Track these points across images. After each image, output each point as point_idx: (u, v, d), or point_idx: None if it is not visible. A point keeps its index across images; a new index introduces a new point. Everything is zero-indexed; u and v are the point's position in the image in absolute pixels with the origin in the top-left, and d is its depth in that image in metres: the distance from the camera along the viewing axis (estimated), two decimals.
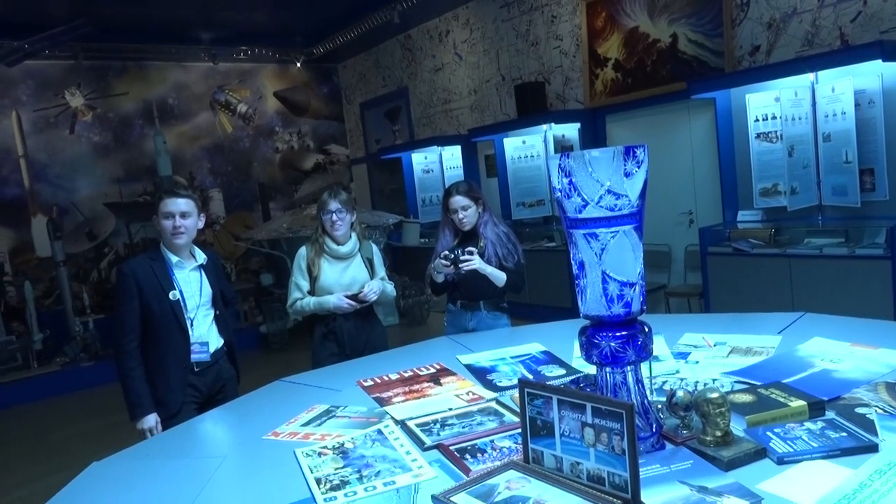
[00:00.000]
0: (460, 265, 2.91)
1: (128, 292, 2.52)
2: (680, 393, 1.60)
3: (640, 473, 1.31)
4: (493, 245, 3.06)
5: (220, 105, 9.32)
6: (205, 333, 2.66)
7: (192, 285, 2.64)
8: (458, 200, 3.06)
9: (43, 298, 7.75)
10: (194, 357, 2.61)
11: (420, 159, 8.82)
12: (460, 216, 3.05)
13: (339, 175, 10.39)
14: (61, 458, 4.57)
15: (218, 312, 2.73)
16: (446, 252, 2.96)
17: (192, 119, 9.10)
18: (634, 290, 1.55)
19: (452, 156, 8.33)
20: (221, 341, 2.74)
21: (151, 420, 2.51)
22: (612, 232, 1.52)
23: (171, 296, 2.56)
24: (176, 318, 2.56)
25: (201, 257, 2.70)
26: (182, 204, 2.57)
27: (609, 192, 1.49)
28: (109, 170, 8.45)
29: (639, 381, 1.59)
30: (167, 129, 8.55)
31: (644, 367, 1.66)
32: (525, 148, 7.08)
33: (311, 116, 10.18)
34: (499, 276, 3.02)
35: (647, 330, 1.59)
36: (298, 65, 9.71)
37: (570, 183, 1.52)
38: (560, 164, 1.52)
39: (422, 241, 8.33)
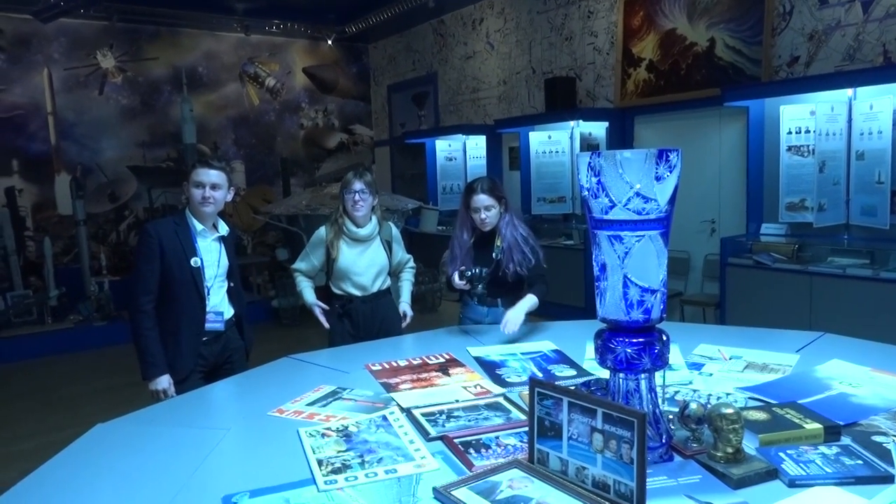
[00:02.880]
0: (479, 286, 2.79)
1: (150, 252, 2.52)
2: (693, 405, 1.57)
3: (647, 484, 1.29)
4: (509, 248, 2.87)
5: (248, 77, 9.32)
6: (219, 303, 2.67)
7: (212, 255, 2.65)
8: (482, 199, 2.87)
9: (61, 256, 7.83)
10: (209, 326, 2.62)
11: (444, 146, 8.78)
12: (482, 216, 2.88)
13: (361, 156, 10.38)
14: (67, 414, 4.62)
15: (232, 284, 2.74)
16: (462, 269, 2.79)
17: (220, 89, 9.11)
18: (655, 296, 1.51)
19: (476, 145, 8.28)
20: (232, 312, 2.74)
21: (164, 381, 2.53)
22: (637, 236, 1.48)
23: (192, 262, 2.57)
24: (195, 285, 2.57)
25: (224, 229, 2.71)
26: (214, 175, 2.57)
27: (638, 194, 1.45)
28: (135, 133, 8.50)
29: (652, 389, 1.56)
30: (194, 97, 8.56)
31: (658, 375, 1.63)
32: (550, 143, 7.01)
33: (338, 95, 10.16)
34: (535, 305, 2.82)
35: (664, 338, 1.56)
36: (329, 42, 9.68)
37: (599, 182, 1.48)
38: (590, 163, 1.49)
39: (439, 228, 8.30)
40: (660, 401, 1.62)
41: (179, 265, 2.55)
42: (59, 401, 4.98)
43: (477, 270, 2.78)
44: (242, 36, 9.01)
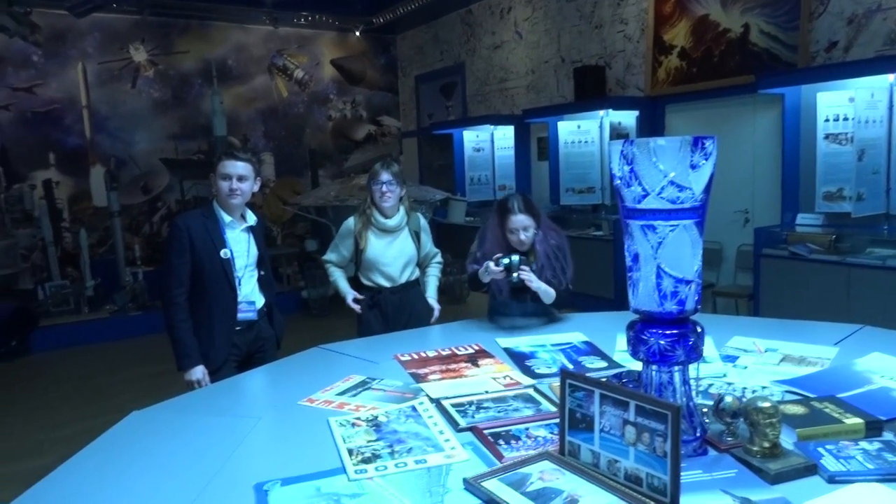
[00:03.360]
0: (516, 276, 2.62)
1: (181, 245, 2.55)
2: (728, 398, 1.54)
3: (681, 478, 1.27)
4: (541, 267, 2.73)
5: (277, 69, 9.38)
6: (250, 293, 2.70)
7: (241, 245, 2.67)
8: (521, 220, 2.68)
9: (97, 247, 7.99)
10: (242, 315, 2.65)
11: (471, 137, 8.74)
12: (521, 237, 2.70)
13: (389, 147, 10.39)
14: (104, 402, 4.73)
15: (262, 274, 2.76)
16: (499, 257, 2.64)
17: (250, 81, 9.18)
18: (690, 287, 1.48)
19: (504, 136, 8.23)
20: (263, 301, 2.77)
21: (199, 372, 2.56)
22: (671, 225, 1.45)
23: (222, 254, 2.60)
24: (226, 276, 2.60)
25: (252, 219, 2.73)
26: (240, 167, 2.59)
27: (672, 183, 1.42)
28: (167, 126, 8.62)
29: (686, 382, 1.53)
30: (224, 90, 8.65)
31: (692, 368, 1.60)
32: (579, 133, 6.94)
33: (365, 86, 10.18)
34: (549, 294, 2.73)
35: (699, 330, 1.52)
36: (357, 34, 9.69)
37: (632, 171, 1.46)
38: (622, 151, 1.46)
39: (467, 219, 8.28)
40: (693, 393, 1.59)
41: (209, 257, 2.58)
42: (96, 389, 5.10)
43: (514, 258, 2.65)
44: (271, 28, 9.06)
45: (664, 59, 6.23)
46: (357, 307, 3.13)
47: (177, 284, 2.56)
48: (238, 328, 2.67)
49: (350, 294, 3.14)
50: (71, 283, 7.15)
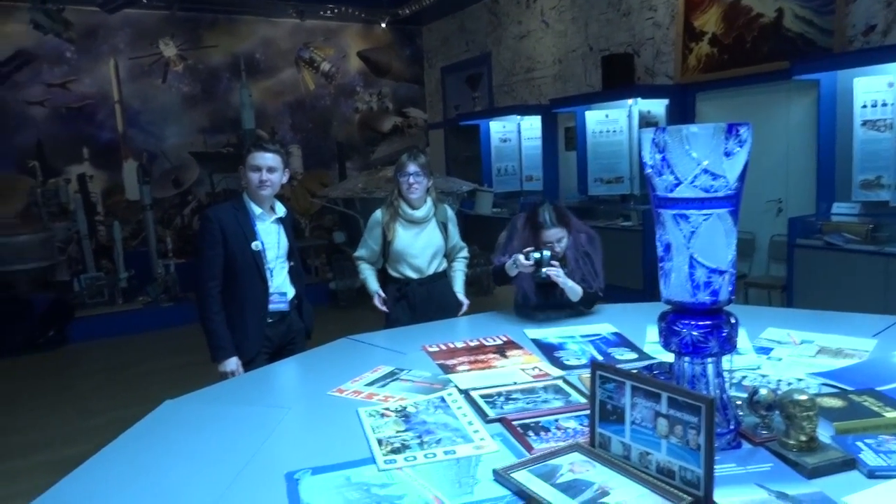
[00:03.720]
0: (544, 272, 2.57)
1: (213, 238, 2.58)
2: (763, 391, 1.51)
3: (715, 471, 1.25)
4: (571, 273, 2.66)
5: (304, 62, 9.42)
6: (282, 284, 2.72)
7: (271, 237, 2.69)
8: (555, 234, 2.63)
9: (130, 239, 8.14)
10: (274, 307, 2.67)
11: (498, 128, 8.69)
12: (556, 250, 2.64)
13: (415, 139, 10.38)
14: (137, 392, 4.82)
15: (293, 265, 2.78)
16: (530, 251, 2.59)
17: (277, 74, 9.24)
18: (724, 278, 1.45)
19: (531, 126, 8.16)
20: (294, 292, 2.79)
21: (233, 363, 2.59)
22: (704, 214, 1.42)
23: (253, 246, 2.61)
24: (257, 268, 2.62)
25: (281, 210, 2.74)
26: (269, 159, 2.60)
27: (705, 171, 1.39)
28: (196, 120, 8.72)
29: (719, 374, 1.51)
30: (252, 84, 8.73)
31: (725, 359, 1.57)
32: (608, 122, 6.85)
33: (391, 78, 10.18)
34: (576, 291, 2.67)
35: (732, 321, 1.50)
36: (383, 25, 9.68)
37: (664, 159, 1.43)
38: (654, 139, 1.43)
39: (494, 210, 8.25)
40: (727, 385, 1.56)
41: (241, 249, 2.60)
42: (129, 378, 5.20)
43: (545, 253, 2.60)
44: (298, 21, 9.10)
45: (695, 46, 6.11)
46: (383, 307, 3.13)
47: (210, 277, 2.58)
48: (270, 320, 2.69)
49: (377, 294, 3.14)
50: (105, 275, 7.29)
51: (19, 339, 6.05)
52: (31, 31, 7.15)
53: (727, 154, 1.37)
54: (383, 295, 3.14)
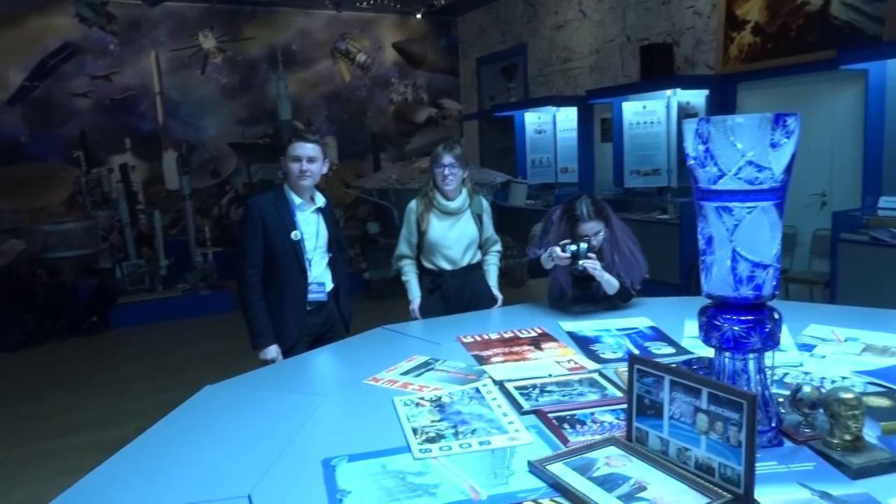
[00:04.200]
0: (581, 264, 2.54)
1: (254, 227, 2.62)
2: (806, 388, 1.47)
3: (756, 469, 1.22)
4: (609, 261, 2.64)
5: (340, 54, 9.48)
6: (320, 274, 2.74)
7: (310, 227, 2.72)
8: (592, 227, 2.59)
9: (169, 228, 8.32)
10: (312, 296, 2.70)
11: (533, 119, 8.63)
12: (593, 243, 2.61)
13: (450, 130, 10.38)
14: (176, 376, 4.93)
15: (332, 256, 2.81)
16: (566, 243, 2.56)
17: (313, 66, 9.32)
18: (767, 272, 1.42)
19: (567, 117, 8.09)
20: (332, 284, 2.81)
21: (273, 351, 2.63)
22: (748, 207, 1.39)
23: (292, 235, 2.65)
24: (297, 258, 2.66)
25: (321, 201, 2.77)
26: (310, 149, 2.63)
27: (750, 163, 1.36)
28: (234, 111, 8.85)
29: (761, 370, 1.48)
30: (289, 75, 8.81)
31: (766, 356, 1.54)
32: (645, 113, 6.74)
33: (426, 69, 10.18)
34: (613, 285, 2.66)
35: (776, 317, 1.46)
36: (419, 16, 9.67)
37: (707, 150, 1.40)
38: (697, 130, 1.40)
39: (528, 202, 8.21)
40: (768, 382, 1.53)
41: (281, 239, 2.63)
42: (169, 363, 5.32)
43: (581, 246, 2.56)
44: (334, 13, 9.15)
45: (736, 36, 5.97)
46: (417, 315, 3.10)
47: (250, 265, 2.62)
48: (309, 309, 2.72)
49: (415, 300, 3.13)
50: (146, 262, 7.46)
51: (65, 324, 6.23)
52: (77, 24, 7.33)
53: (773, 145, 1.34)
54: (417, 307, 3.13)
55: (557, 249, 2.57)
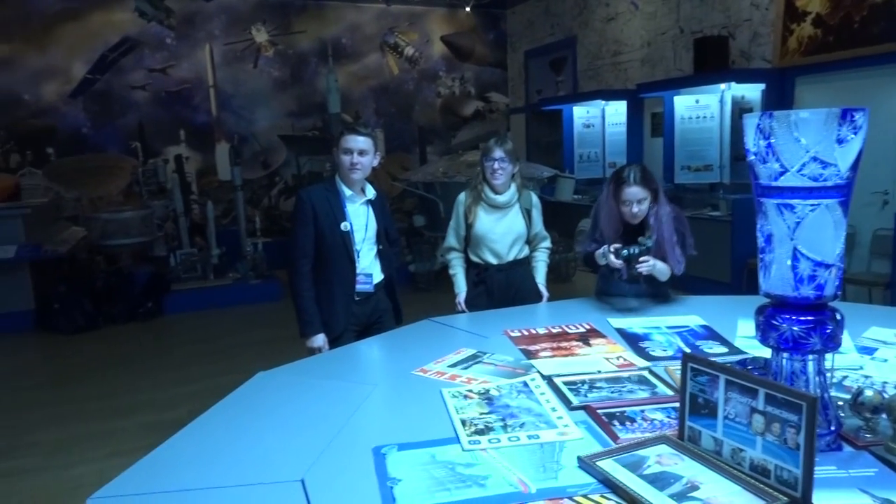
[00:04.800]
0: (636, 269, 2.54)
1: (305, 217, 2.67)
2: (868, 392, 1.43)
3: (814, 473, 1.19)
4: (657, 245, 2.61)
5: (388, 47, 9.53)
6: (369, 266, 2.78)
7: (360, 219, 2.76)
8: (635, 192, 2.58)
9: (221, 218, 8.51)
10: (359, 287, 2.74)
11: (581, 113, 8.53)
12: (634, 210, 2.61)
13: (497, 124, 10.33)
14: (227, 361, 5.06)
15: (381, 248, 2.84)
16: (618, 247, 2.56)
17: (362, 59, 9.39)
18: (830, 272, 1.38)
19: (616, 111, 7.97)
20: (382, 275, 2.85)
21: (320, 339, 2.69)
22: (811, 205, 1.35)
23: (342, 226, 2.69)
24: (345, 248, 2.70)
25: (371, 193, 2.80)
26: (361, 142, 2.66)
27: (815, 159, 1.32)
28: (285, 104, 9.00)
29: (821, 372, 1.44)
30: (338, 68, 8.91)
31: (826, 358, 1.50)
32: (698, 108, 6.60)
33: (474, 62, 10.15)
34: (665, 272, 2.65)
35: (838, 318, 1.42)
36: (467, 9, 9.65)
37: (769, 146, 1.37)
38: (759, 124, 1.37)
39: (575, 196, 8.13)
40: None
41: (331, 229, 2.68)
42: (220, 349, 5.47)
43: (634, 249, 2.55)
44: (383, 6, 9.20)
45: (796, 28, 5.78)
46: (462, 308, 3.12)
47: (301, 255, 2.68)
48: (357, 299, 2.76)
49: (461, 293, 3.16)
50: (199, 251, 7.67)
51: (122, 309, 6.46)
52: (136, 18, 7.55)
53: (840, 141, 1.30)
54: (463, 300, 3.15)
55: (612, 256, 2.55)
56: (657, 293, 2.79)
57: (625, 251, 2.54)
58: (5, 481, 3.31)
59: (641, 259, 2.54)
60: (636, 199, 2.60)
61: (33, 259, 6.35)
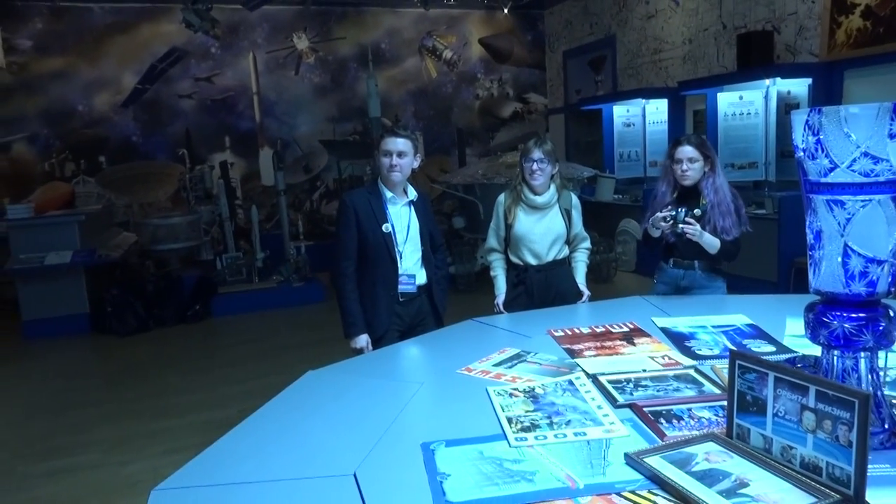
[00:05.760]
0: (680, 227, 2.77)
1: (348, 220, 2.74)
2: None
3: (867, 471, 1.18)
4: (714, 210, 2.84)
5: (427, 50, 9.61)
6: (412, 267, 2.82)
7: (402, 220, 2.80)
8: (686, 151, 2.87)
9: (265, 222, 8.70)
10: (402, 288, 2.79)
11: (622, 112, 8.46)
12: (684, 167, 2.87)
13: (535, 125, 10.32)
14: (273, 361, 5.18)
15: (424, 250, 2.88)
16: (669, 209, 2.81)
17: (401, 64, 9.49)
18: (883, 268, 1.36)
19: (657, 109, 7.87)
20: (424, 277, 2.89)
21: (363, 340, 2.74)
22: (863, 200, 1.34)
23: (383, 228, 2.74)
24: (387, 249, 2.75)
25: (412, 194, 2.85)
26: (400, 144, 2.71)
27: (865, 154, 1.31)
28: (325, 109, 9.15)
29: (874, 370, 1.42)
30: (378, 73, 9.01)
31: (879, 355, 1.47)
32: (741, 104, 6.48)
33: (512, 64, 10.15)
34: (713, 245, 2.85)
35: (891, 314, 1.40)
36: (505, 11, 9.65)
37: (818, 142, 1.36)
38: (808, 121, 1.37)
39: (616, 196, 8.06)
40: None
41: (373, 231, 2.73)
42: (266, 350, 5.60)
43: (680, 211, 2.78)
44: (422, 11, 9.27)
45: (844, 20, 5.63)
46: (501, 310, 3.15)
47: (345, 257, 2.74)
48: (401, 300, 2.81)
49: (500, 295, 3.19)
50: (244, 255, 7.85)
51: (171, 312, 6.66)
52: (183, 29, 7.77)
53: (892, 136, 1.28)
54: (502, 302, 3.18)
55: (658, 215, 2.80)
56: (711, 270, 2.98)
57: (672, 211, 2.77)
58: (66, 477, 3.46)
59: (688, 220, 2.75)
60: (686, 157, 2.86)
61: (88, 264, 6.59)
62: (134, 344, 6.11)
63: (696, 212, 2.78)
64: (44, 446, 3.88)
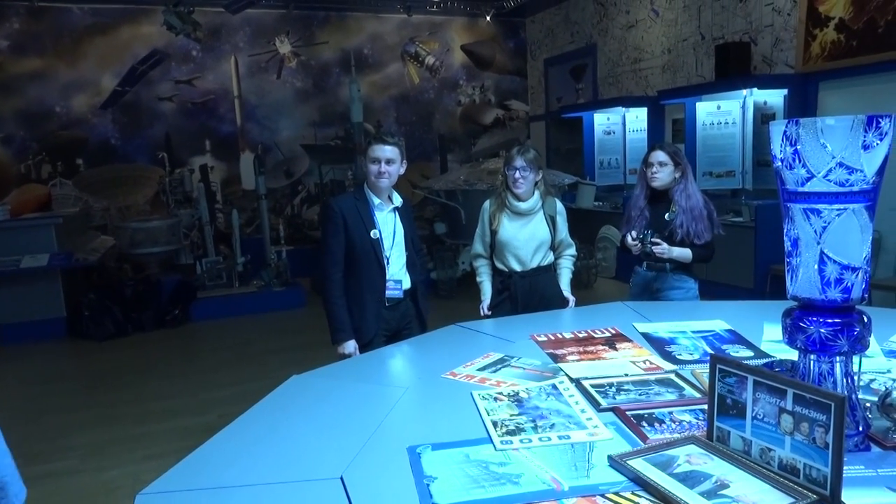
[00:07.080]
0: (649, 247, 3.00)
1: (335, 226, 2.74)
2: None
3: (843, 471, 1.22)
4: (683, 216, 3.03)
5: (409, 56, 9.64)
6: (398, 272, 2.84)
7: (388, 226, 2.82)
8: (658, 155, 3.10)
9: (245, 227, 8.65)
10: (388, 293, 2.80)
11: (602, 120, 8.55)
12: (654, 170, 3.10)
13: (517, 131, 10.39)
14: (255, 368, 5.15)
15: (409, 255, 2.90)
16: (634, 233, 3.07)
17: (384, 69, 9.51)
18: (857, 275, 1.41)
19: (637, 118, 7.98)
20: (409, 282, 2.90)
21: (351, 346, 2.75)
22: (838, 209, 1.38)
23: (371, 234, 2.75)
24: (375, 255, 2.76)
25: (398, 200, 2.87)
26: (388, 151, 2.73)
27: (841, 164, 1.35)
28: (307, 114, 9.14)
29: (848, 374, 1.46)
30: (360, 78, 9.02)
31: (853, 361, 1.52)
32: (719, 114, 6.59)
33: (494, 71, 10.22)
34: (685, 256, 3.06)
35: (865, 320, 1.45)
36: (488, 18, 9.74)
37: (795, 152, 1.40)
38: (785, 131, 1.41)
39: (596, 203, 8.14)
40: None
41: (361, 237, 2.75)
42: (246, 355, 5.56)
43: (646, 233, 3.02)
44: (404, 17, 9.32)
45: (819, 33, 5.77)
46: (487, 314, 3.18)
47: (332, 263, 2.75)
48: (387, 305, 2.82)
49: (486, 300, 3.22)
50: (224, 259, 7.79)
51: (150, 316, 6.59)
52: (164, 31, 7.73)
53: (866, 147, 1.33)
54: (488, 308, 3.21)
55: (629, 237, 3.04)
56: (682, 270, 3.15)
57: (642, 235, 3.01)
58: (43, 483, 3.40)
59: (655, 241, 2.98)
60: (657, 160, 3.10)
61: (65, 267, 6.50)
62: (112, 349, 6.04)
63: (657, 238, 3.02)
64: (20, 452, 3.79)
